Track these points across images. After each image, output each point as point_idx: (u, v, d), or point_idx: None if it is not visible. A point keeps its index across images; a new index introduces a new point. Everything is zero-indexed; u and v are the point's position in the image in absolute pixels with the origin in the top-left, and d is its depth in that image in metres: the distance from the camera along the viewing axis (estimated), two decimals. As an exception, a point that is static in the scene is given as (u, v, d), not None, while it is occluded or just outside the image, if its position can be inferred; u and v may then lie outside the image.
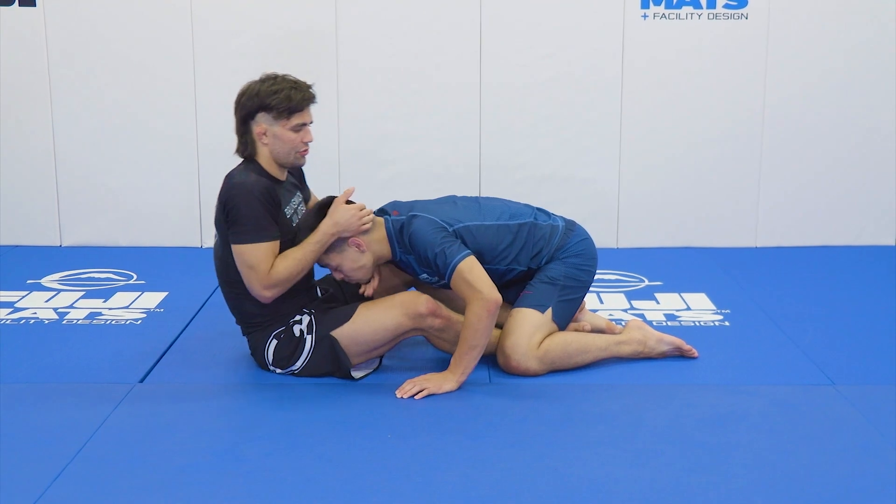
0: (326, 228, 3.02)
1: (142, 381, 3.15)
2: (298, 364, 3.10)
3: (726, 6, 4.80)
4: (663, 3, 4.80)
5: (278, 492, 2.40)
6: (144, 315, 3.84)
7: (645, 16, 4.81)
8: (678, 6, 4.80)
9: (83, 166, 4.92)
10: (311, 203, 3.35)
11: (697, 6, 4.81)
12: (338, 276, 3.18)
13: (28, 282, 4.30)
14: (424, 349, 3.43)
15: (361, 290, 3.22)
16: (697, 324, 3.76)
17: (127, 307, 3.95)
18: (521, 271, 3.26)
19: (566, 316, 3.26)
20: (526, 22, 4.82)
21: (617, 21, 4.81)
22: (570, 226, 3.35)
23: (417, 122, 4.89)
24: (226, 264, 3.09)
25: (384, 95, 4.85)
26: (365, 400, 2.97)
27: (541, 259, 3.26)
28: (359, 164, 4.87)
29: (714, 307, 3.96)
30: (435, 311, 3.07)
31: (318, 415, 2.86)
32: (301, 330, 3.09)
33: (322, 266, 3.16)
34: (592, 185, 4.96)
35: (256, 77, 3.07)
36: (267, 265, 2.95)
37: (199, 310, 3.89)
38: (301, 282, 3.08)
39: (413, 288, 3.41)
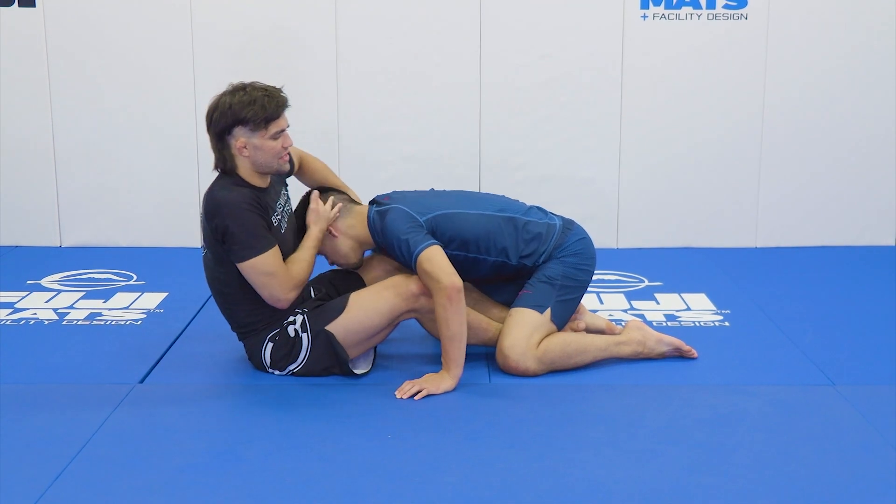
0: (314, 232, 3.16)
1: (142, 381, 3.15)
2: (297, 363, 3.10)
3: (726, 6, 4.80)
4: (663, 4, 4.80)
5: (278, 492, 2.40)
6: (144, 315, 3.84)
7: (644, 16, 4.81)
8: (678, 6, 4.80)
9: (83, 166, 4.92)
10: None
11: (697, 6, 4.81)
12: (330, 263, 3.34)
13: (28, 282, 4.30)
14: (423, 349, 3.43)
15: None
16: (697, 324, 3.76)
17: (127, 308, 3.95)
18: (514, 267, 3.26)
19: (565, 316, 3.27)
20: (526, 22, 4.82)
21: (617, 21, 4.81)
22: (568, 225, 3.35)
23: (417, 122, 4.89)
24: (215, 276, 3.11)
25: (384, 95, 4.85)
26: (365, 400, 2.97)
27: (537, 258, 3.26)
28: (359, 164, 4.87)
29: (714, 307, 3.96)
30: (427, 291, 3.07)
31: (318, 415, 2.86)
32: (295, 330, 3.09)
33: None
34: (592, 185, 4.96)
35: (224, 91, 3.01)
36: (283, 268, 2.99)
37: (198, 310, 3.89)
38: None
39: None
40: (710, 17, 4.81)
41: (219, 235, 2.95)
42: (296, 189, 3.36)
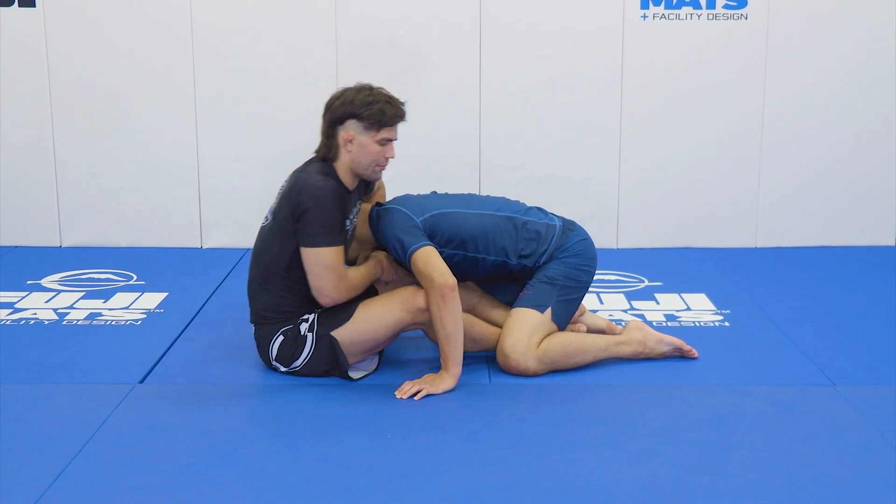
0: (373, 269, 3.22)
1: (142, 381, 3.15)
2: (299, 362, 3.11)
3: (726, 6, 4.80)
4: (663, 4, 4.80)
5: (278, 492, 2.40)
6: (144, 315, 3.84)
7: (644, 16, 4.81)
8: (678, 6, 4.81)
9: (83, 166, 4.92)
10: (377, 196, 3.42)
11: (697, 6, 4.81)
12: None
13: (28, 282, 4.30)
14: (423, 349, 3.43)
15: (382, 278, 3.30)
16: (697, 324, 3.76)
17: (127, 308, 3.95)
18: (514, 266, 3.26)
19: (566, 316, 3.27)
20: (526, 22, 4.82)
21: (616, 21, 4.81)
22: (569, 225, 3.36)
23: (417, 122, 4.87)
24: (267, 249, 3.11)
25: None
26: (365, 400, 2.97)
27: (538, 258, 3.27)
28: (359, 165, 4.86)
29: (714, 307, 3.96)
30: None
31: (318, 415, 2.86)
32: (305, 328, 3.10)
33: None
34: (592, 185, 4.97)
35: (351, 86, 3.11)
36: (343, 268, 3.04)
37: (199, 310, 3.89)
38: None
39: None
40: (710, 17, 4.81)
41: (298, 214, 2.99)
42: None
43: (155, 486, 2.43)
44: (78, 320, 3.78)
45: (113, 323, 3.76)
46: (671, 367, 3.28)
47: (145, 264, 4.62)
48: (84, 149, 4.90)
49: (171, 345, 3.49)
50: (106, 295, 4.14)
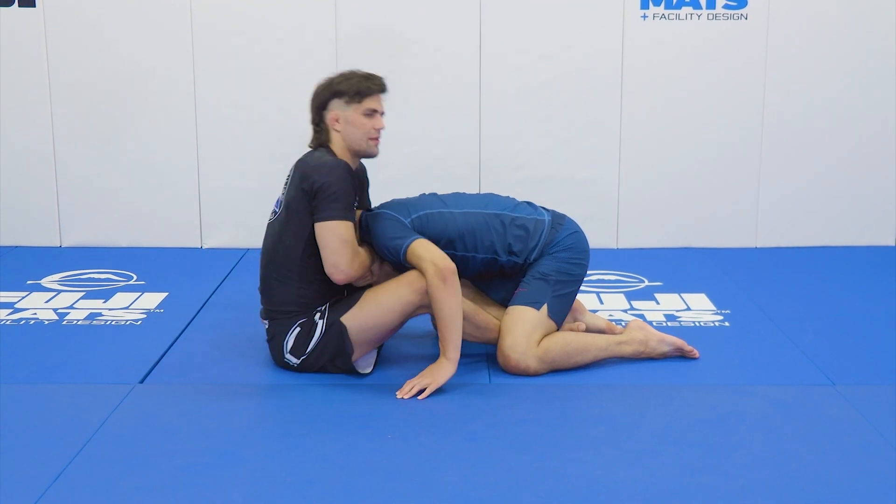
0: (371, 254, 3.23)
1: (142, 381, 3.15)
2: (310, 347, 3.10)
3: (726, 6, 4.80)
4: (663, 4, 4.80)
5: (278, 492, 2.40)
6: (144, 316, 3.84)
7: (644, 16, 4.81)
8: (678, 6, 4.81)
9: (83, 166, 4.92)
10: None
11: (697, 6, 4.81)
12: None
13: (28, 282, 4.30)
14: (422, 347, 3.43)
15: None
16: (697, 324, 3.76)
17: (127, 308, 3.95)
18: (505, 263, 3.26)
19: (562, 311, 3.27)
20: (526, 22, 4.82)
21: (616, 21, 4.81)
22: (559, 219, 3.35)
23: (417, 122, 4.89)
24: (281, 242, 3.12)
25: (383, 95, 4.84)
26: (365, 400, 2.97)
27: (528, 254, 3.27)
28: (359, 165, 4.87)
29: (714, 307, 3.96)
30: None
31: (318, 415, 2.86)
32: (318, 317, 3.11)
33: None
34: (592, 185, 4.97)
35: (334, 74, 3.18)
36: (356, 244, 3.08)
37: (199, 310, 3.89)
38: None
39: None
40: (710, 17, 4.81)
41: (313, 191, 3.01)
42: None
43: (155, 486, 2.43)
44: (78, 320, 3.78)
45: (113, 323, 3.76)
46: (671, 367, 3.28)
47: (145, 264, 4.62)
48: (84, 149, 4.90)
49: (171, 345, 3.49)
50: (106, 295, 4.14)
